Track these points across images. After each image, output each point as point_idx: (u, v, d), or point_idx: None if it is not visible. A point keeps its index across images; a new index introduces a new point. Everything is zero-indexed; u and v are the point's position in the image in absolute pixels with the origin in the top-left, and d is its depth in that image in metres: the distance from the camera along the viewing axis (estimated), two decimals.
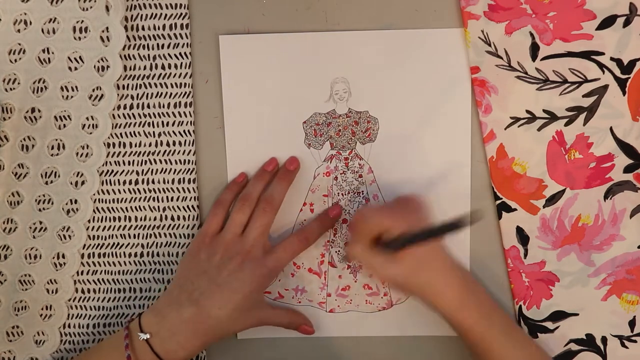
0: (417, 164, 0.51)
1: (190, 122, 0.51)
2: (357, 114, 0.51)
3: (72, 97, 0.50)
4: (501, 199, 0.51)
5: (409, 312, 0.52)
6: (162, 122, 0.51)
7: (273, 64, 0.50)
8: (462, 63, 0.50)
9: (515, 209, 0.51)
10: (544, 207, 0.51)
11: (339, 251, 0.52)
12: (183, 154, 0.51)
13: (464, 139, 0.50)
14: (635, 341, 0.51)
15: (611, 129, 0.49)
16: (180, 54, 0.50)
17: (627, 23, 0.48)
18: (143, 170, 0.51)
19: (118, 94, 0.50)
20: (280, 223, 0.51)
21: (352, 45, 0.50)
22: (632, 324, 0.51)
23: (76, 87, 0.50)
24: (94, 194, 0.51)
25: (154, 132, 0.51)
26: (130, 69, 0.50)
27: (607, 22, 0.48)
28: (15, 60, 0.50)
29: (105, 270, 0.53)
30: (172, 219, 0.52)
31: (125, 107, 0.51)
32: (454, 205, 0.51)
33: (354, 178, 0.51)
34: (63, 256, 0.52)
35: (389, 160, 0.51)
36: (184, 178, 0.51)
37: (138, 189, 0.52)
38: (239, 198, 0.49)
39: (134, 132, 0.51)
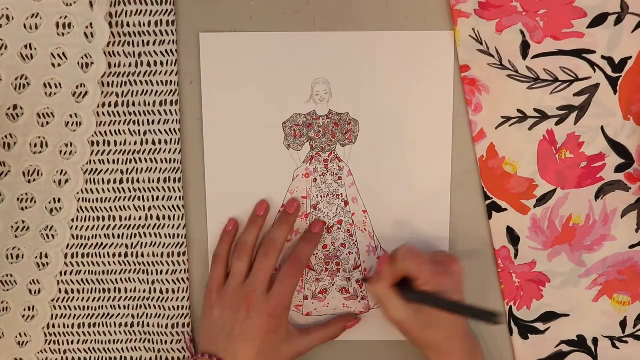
0: (397, 167, 0.50)
1: (176, 120, 0.50)
2: (338, 115, 0.50)
3: (55, 94, 0.49)
4: (491, 198, 0.50)
5: None
6: (148, 120, 0.50)
7: (254, 63, 0.49)
8: (445, 66, 0.49)
9: (506, 209, 0.50)
10: (534, 207, 0.50)
11: (316, 254, 0.52)
12: (169, 152, 0.50)
13: (445, 145, 0.50)
14: (626, 342, 0.51)
15: (602, 128, 0.49)
16: (166, 51, 0.49)
17: (618, 21, 0.48)
18: (128, 169, 0.51)
19: (102, 92, 0.50)
20: None
21: (334, 46, 0.49)
22: (623, 324, 0.51)
23: (59, 83, 0.49)
24: (78, 193, 0.51)
25: (139, 131, 0.50)
26: (115, 65, 0.50)
27: (598, 20, 0.48)
28: None
29: (89, 271, 0.52)
30: (158, 218, 0.51)
31: (110, 105, 0.50)
32: (432, 218, 0.51)
33: (333, 180, 0.51)
34: (46, 256, 0.51)
35: (369, 163, 0.50)
36: (169, 177, 0.51)
37: (123, 188, 0.51)
38: (236, 247, 0.50)
39: (119, 130, 0.50)
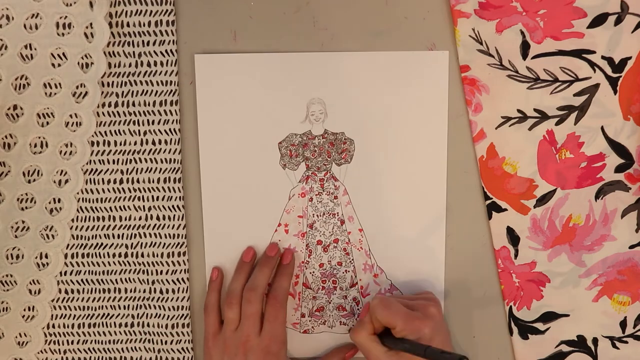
0: (393, 186, 0.50)
1: (176, 120, 0.50)
2: (334, 135, 0.50)
3: (55, 94, 0.49)
4: (491, 199, 0.50)
5: None
6: (148, 120, 0.50)
7: (249, 83, 0.49)
8: (440, 86, 0.49)
9: (506, 209, 0.50)
10: (534, 207, 0.50)
11: (313, 272, 0.52)
12: (169, 152, 0.50)
13: (439, 166, 0.50)
14: (626, 342, 0.51)
15: (602, 128, 0.49)
16: (166, 51, 0.49)
17: (618, 21, 0.48)
18: (128, 169, 0.51)
19: (102, 92, 0.50)
20: (253, 243, 0.51)
21: (329, 66, 0.49)
22: (623, 324, 0.51)
23: (59, 84, 0.49)
24: (78, 193, 0.51)
25: (139, 131, 0.50)
26: (115, 66, 0.50)
27: (598, 20, 0.48)
28: None
29: (89, 271, 0.52)
30: (158, 218, 0.51)
31: (110, 105, 0.50)
32: (429, 237, 0.51)
33: (329, 199, 0.51)
34: (46, 256, 0.51)
35: (365, 182, 0.50)
36: (169, 177, 0.51)
37: (123, 188, 0.51)
38: (227, 296, 0.50)
39: (119, 130, 0.50)
